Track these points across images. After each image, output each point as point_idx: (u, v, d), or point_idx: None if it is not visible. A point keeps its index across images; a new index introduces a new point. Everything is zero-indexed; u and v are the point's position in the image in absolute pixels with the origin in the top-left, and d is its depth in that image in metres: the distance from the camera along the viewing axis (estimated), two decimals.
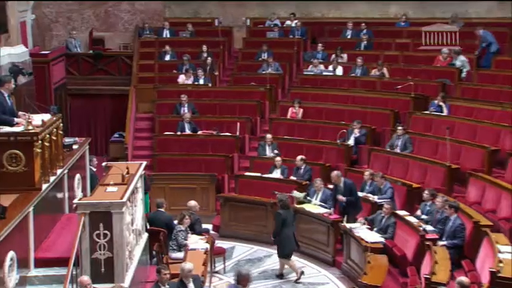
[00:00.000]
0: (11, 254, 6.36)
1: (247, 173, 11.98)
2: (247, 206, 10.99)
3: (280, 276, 9.55)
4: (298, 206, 10.44)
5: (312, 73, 14.71)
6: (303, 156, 11.47)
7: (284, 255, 9.48)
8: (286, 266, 9.58)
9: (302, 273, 9.48)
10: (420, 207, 9.54)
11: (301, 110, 13.29)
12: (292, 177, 11.44)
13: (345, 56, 15.14)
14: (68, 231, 7.80)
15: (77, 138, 9.74)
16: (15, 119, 7.75)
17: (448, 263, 7.71)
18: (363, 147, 12.03)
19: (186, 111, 13.52)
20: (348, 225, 9.50)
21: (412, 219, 9.17)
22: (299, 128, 12.97)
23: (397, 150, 11.40)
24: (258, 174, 11.67)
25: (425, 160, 10.76)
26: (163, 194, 11.44)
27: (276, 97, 14.38)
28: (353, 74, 14.28)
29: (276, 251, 9.68)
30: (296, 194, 10.38)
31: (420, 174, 10.64)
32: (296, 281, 9.42)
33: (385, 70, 14.09)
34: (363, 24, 15.94)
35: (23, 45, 13.32)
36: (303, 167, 11.42)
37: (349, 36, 16.06)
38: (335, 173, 10.11)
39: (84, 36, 16.83)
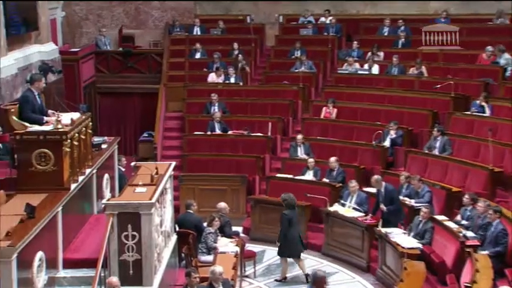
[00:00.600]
0: (40, 254, 6.46)
1: (278, 175, 11.95)
2: (279, 209, 10.92)
3: (306, 276, 9.52)
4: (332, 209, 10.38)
5: (347, 72, 14.59)
6: (337, 158, 11.41)
7: (294, 255, 9.49)
8: (309, 267, 9.51)
9: (285, 279, 9.53)
10: (460, 212, 9.36)
11: (335, 109, 13.19)
12: (325, 180, 11.37)
13: (381, 54, 14.99)
14: (96, 232, 7.88)
15: (106, 138, 9.85)
16: (45, 118, 7.88)
17: (490, 272, 7.54)
18: (400, 148, 11.87)
19: (216, 110, 13.56)
20: (384, 230, 9.38)
21: (451, 225, 9.01)
22: (333, 128, 12.88)
23: (436, 152, 11.22)
24: (290, 176, 11.63)
25: (465, 163, 10.56)
26: (193, 195, 11.48)
27: (309, 96, 14.31)
28: (396, 73, 14.13)
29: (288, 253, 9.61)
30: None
31: (460, 178, 10.45)
32: (276, 280, 9.53)
33: (423, 69, 13.89)
34: (401, 20, 15.74)
35: (52, 43, 13.57)
36: (336, 169, 11.34)
37: (386, 34, 15.89)
38: (375, 177, 9.99)
39: (114, 33, 17.04)
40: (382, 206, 9.70)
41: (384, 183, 9.85)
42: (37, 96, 8.03)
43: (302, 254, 9.60)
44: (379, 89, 13.62)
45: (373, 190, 10.16)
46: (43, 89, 8.19)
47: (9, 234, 6.01)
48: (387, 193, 9.74)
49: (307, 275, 9.47)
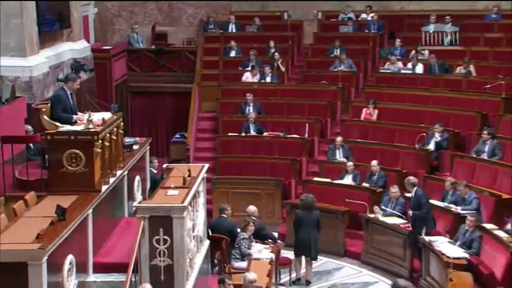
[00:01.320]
0: (70, 257, 6.56)
1: (316, 179, 11.90)
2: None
3: (299, 280, 9.69)
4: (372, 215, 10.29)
5: (389, 71, 14.43)
6: (378, 161, 11.30)
7: (296, 253, 9.72)
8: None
9: (299, 279, 9.70)
10: (510, 221, 9.16)
11: (376, 111, 13.08)
12: (364, 184, 11.27)
13: (426, 52, 14.79)
14: (127, 236, 7.96)
15: (137, 138, 9.96)
16: (74, 117, 8.00)
17: None
18: (445, 152, 11.69)
19: (251, 111, 13.60)
20: (428, 238, 9.25)
21: (501, 234, 8.82)
22: (373, 130, 12.76)
23: (484, 156, 11.01)
24: (328, 180, 11.57)
25: None
26: (226, 199, 11.54)
27: (348, 97, 14.22)
28: (436, 73, 13.93)
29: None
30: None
31: (511, 184, 10.22)
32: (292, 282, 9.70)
33: (471, 67, 13.65)
34: (448, 17, 15.50)
35: (84, 41, 13.79)
36: (377, 173, 11.24)
37: (431, 31, 15.66)
38: (409, 178, 9.90)
39: (147, 30, 17.24)
40: (409, 212, 9.61)
41: (415, 188, 9.72)
42: (69, 96, 8.17)
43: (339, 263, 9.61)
44: (423, 89, 13.44)
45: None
46: (76, 90, 8.33)
47: (39, 236, 6.13)
48: (416, 197, 9.64)
49: (307, 281, 9.66)
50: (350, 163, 11.59)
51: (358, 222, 10.64)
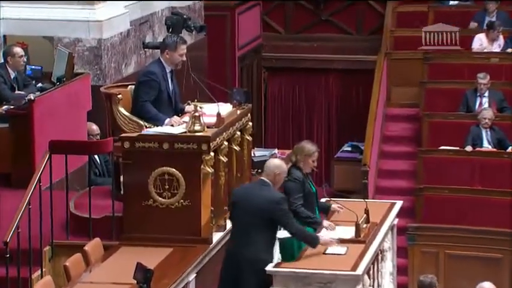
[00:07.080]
0: None
1: None
2: None
3: None
4: None
5: None
6: None
7: None
8: None
9: None
10: None
11: None
12: None
13: None
14: None
15: (276, 151, 10.13)
16: (166, 120, 8.09)
17: None
18: None
19: (485, 105, 13.46)
20: None
21: None
22: None
23: None
24: None
25: None
26: (435, 266, 11.55)
27: None
28: None
29: None
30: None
31: None
32: None
33: None
34: None
35: None
36: None
37: None
38: None
39: None
40: None
41: None
42: (168, 75, 8.43)
43: None
44: None
45: None
46: (180, 63, 8.50)
47: None
48: None
49: None
50: None
51: None
